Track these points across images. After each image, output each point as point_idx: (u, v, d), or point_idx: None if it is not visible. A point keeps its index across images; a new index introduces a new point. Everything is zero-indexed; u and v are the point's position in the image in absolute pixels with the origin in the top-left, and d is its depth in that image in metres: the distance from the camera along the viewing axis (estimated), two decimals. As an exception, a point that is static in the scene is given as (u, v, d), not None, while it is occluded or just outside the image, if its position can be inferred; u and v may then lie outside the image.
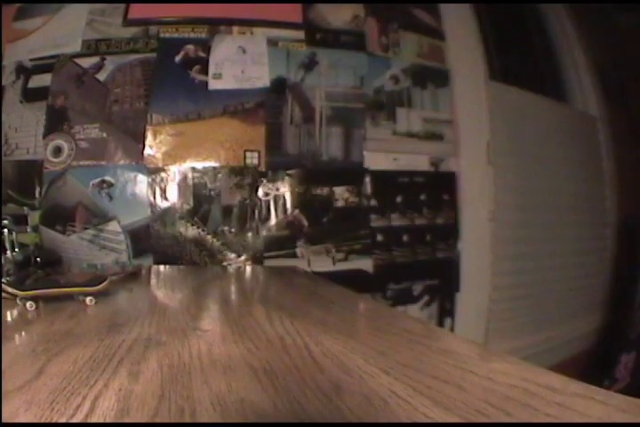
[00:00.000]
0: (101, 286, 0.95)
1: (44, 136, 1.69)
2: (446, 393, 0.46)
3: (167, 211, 1.67)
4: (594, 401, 0.45)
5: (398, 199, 1.84)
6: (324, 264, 1.73)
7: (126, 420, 0.40)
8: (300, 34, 1.81)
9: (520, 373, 0.52)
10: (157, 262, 1.66)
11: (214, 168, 1.69)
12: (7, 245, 1.11)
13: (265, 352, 0.60)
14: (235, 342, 0.65)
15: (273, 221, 1.71)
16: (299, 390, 0.47)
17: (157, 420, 0.40)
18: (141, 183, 1.67)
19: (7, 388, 0.46)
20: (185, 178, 1.68)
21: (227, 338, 0.68)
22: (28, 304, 0.86)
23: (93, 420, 0.40)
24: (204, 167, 1.69)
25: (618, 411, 0.42)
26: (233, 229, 1.68)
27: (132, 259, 1.66)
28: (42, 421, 0.39)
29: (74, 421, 0.39)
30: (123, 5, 1.77)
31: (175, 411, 0.42)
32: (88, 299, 0.91)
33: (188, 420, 0.40)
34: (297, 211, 1.72)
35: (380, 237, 1.80)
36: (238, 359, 0.57)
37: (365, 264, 1.78)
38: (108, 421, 0.40)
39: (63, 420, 0.39)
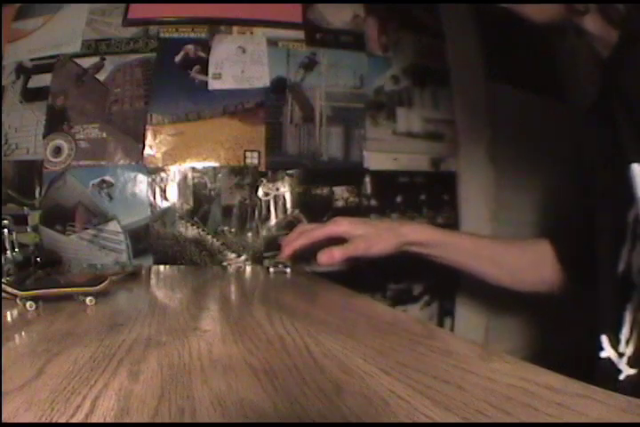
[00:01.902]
0: (101, 286, 0.95)
1: (44, 136, 1.69)
2: (446, 393, 0.46)
3: (167, 211, 1.67)
4: (594, 401, 0.45)
5: (398, 199, 1.84)
6: (324, 264, 1.73)
7: (126, 420, 0.40)
8: (300, 34, 1.81)
9: (520, 373, 0.53)
10: (157, 262, 1.66)
11: (214, 168, 1.69)
12: (7, 245, 1.10)
13: (265, 352, 0.60)
14: (235, 342, 0.65)
15: (273, 221, 1.71)
16: (299, 390, 0.47)
17: (158, 420, 0.40)
18: (141, 183, 1.67)
19: (7, 388, 0.46)
20: (185, 178, 1.68)
21: (227, 338, 0.68)
22: (27, 304, 0.86)
23: (94, 420, 0.40)
24: (203, 167, 1.69)
25: (618, 411, 0.42)
26: (233, 229, 1.68)
27: (131, 259, 1.66)
28: (42, 421, 0.39)
29: (74, 421, 0.39)
30: (123, 5, 1.77)
31: (175, 411, 0.42)
32: (88, 299, 0.91)
33: (188, 420, 0.40)
34: (297, 211, 1.73)
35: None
36: (238, 359, 0.57)
37: (365, 263, 1.78)
38: (108, 421, 0.39)
39: (63, 420, 0.39)
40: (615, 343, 0.81)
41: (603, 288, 0.89)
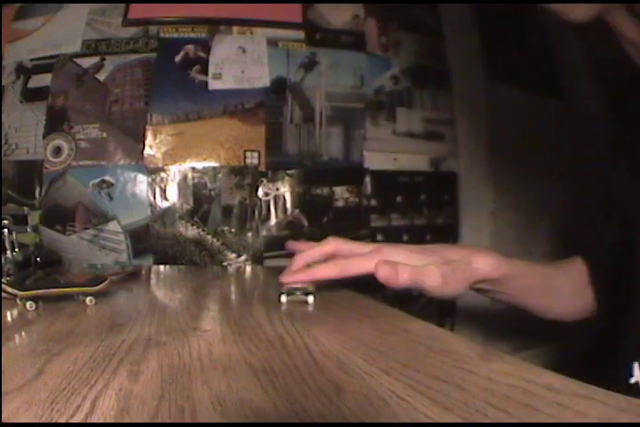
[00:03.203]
0: (101, 286, 0.95)
1: (44, 136, 1.69)
2: (446, 393, 0.46)
3: (167, 211, 1.67)
4: (594, 401, 0.45)
5: (398, 199, 1.84)
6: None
7: (126, 420, 0.40)
8: (300, 34, 1.81)
9: (520, 373, 0.53)
10: (157, 262, 1.66)
11: (214, 168, 1.69)
12: (7, 245, 1.10)
13: (265, 352, 0.61)
14: (235, 342, 0.66)
15: (273, 220, 1.71)
16: (299, 389, 0.47)
17: (158, 420, 0.40)
18: (141, 183, 1.67)
19: (7, 388, 0.46)
20: (185, 178, 1.68)
21: (227, 338, 0.68)
22: (27, 304, 0.86)
23: (93, 420, 0.40)
24: (203, 167, 1.69)
25: (617, 411, 0.42)
26: (233, 229, 1.68)
27: (131, 259, 1.66)
28: (42, 420, 0.39)
29: (74, 420, 0.39)
30: (122, 5, 1.77)
31: (175, 411, 0.42)
32: (88, 299, 0.91)
33: (188, 420, 0.40)
34: (297, 211, 1.73)
35: (380, 237, 1.80)
36: (238, 359, 0.57)
37: (365, 264, 1.77)
38: (108, 421, 0.40)
39: (63, 420, 0.39)
40: None
41: (636, 315, 0.86)
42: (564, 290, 1.07)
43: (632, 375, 0.81)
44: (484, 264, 0.95)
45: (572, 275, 1.07)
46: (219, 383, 0.49)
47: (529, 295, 1.07)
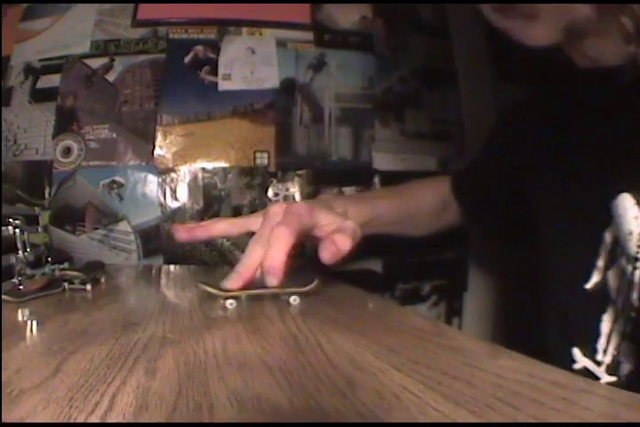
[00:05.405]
0: (311, 286, 0.95)
1: (54, 136, 1.70)
2: (456, 389, 0.47)
3: (177, 211, 1.68)
4: (598, 396, 0.46)
5: (407, 199, 1.84)
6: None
7: (145, 415, 0.41)
8: (309, 35, 1.81)
9: (527, 369, 0.54)
10: (168, 262, 1.67)
11: (224, 169, 1.70)
12: (19, 245, 1.11)
13: (279, 350, 0.62)
14: (248, 340, 0.67)
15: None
16: (313, 386, 0.48)
17: (177, 415, 0.41)
18: (151, 184, 1.68)
19: (24, 386, 0.47)
20: (195, 178, 1.69)
21: (240, 336, 0.69)
22: (228, 303, 0.87)
23: (113, 416, 0.41)
24: (213, 168, 1.70)
25: (620, 406, 0.43)
26: (243, 230, 1.69)
27: (141, 259, 1.67)
28: (61, 418, 0.40)
29: (93, 417, 0.40)
30: (131, 6, 1.77)
31: (193, 407, 0.43)
32: (292, 298, 0.92)
33: (206, 415, 0.41)
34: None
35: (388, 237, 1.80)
36: (253, 357, 0.58)
37: (374, 264, 1.78)
38: (127, 417, 0.40)
39: (82, 416, 0.40)
40: (591, 354, 0.82)
41: (573, 302, 0.89)
42: (423, 219, 1.35)
43: (575, 362, 0.84)
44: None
45: (433, 195, 1.38)
46: (235, 380, 0.50)
47: (389, 229, 1.30)
